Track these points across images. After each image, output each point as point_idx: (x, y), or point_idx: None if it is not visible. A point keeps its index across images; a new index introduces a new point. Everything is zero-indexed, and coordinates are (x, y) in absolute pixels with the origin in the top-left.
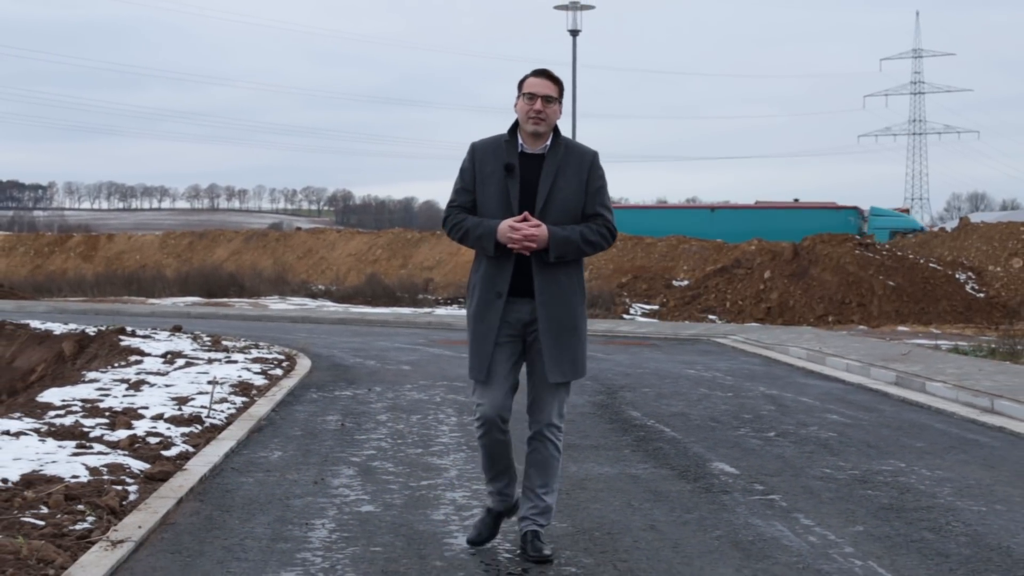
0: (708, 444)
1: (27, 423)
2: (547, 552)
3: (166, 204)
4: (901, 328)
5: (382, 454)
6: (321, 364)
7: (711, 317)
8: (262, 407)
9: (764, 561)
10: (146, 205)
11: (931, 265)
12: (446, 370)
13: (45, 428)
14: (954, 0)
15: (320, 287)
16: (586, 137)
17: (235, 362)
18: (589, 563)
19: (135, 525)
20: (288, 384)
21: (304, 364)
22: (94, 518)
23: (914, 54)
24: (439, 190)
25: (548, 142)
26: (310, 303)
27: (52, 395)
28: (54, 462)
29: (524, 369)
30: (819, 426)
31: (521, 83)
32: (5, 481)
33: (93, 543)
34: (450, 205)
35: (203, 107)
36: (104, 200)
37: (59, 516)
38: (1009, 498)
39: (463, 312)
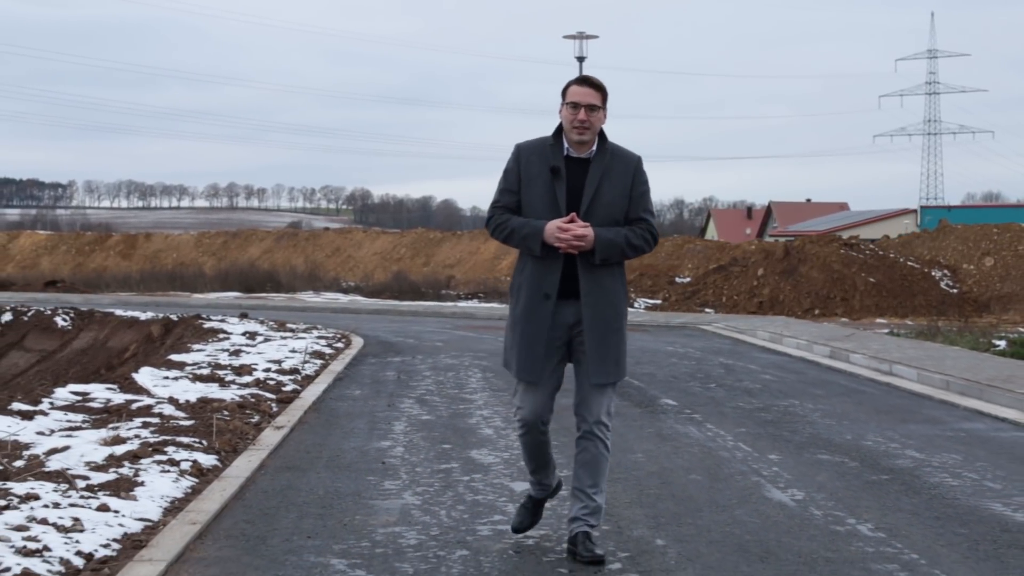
0: (662, 389)
1: (175, 373)
2: (599, 552)
3: (185, 203)
4: (879, 320)
5: (430, 393)
6: (371, 341)
7: (707, 310)
8: (337, 366)
9: (673, 442)
10: (165, 204)
11: (909, 263)
12: (471, 345)
13: (191, 376)
14: (969, 0)
15: (350, 283)
16: None
17: (303, 338)
18: (562, 441)
19: (285, 421)
20: (350, 353)
21: (358, 341)
22: (258, 417)
23: (929, 54)
24: (457, 189)
25: (594, 147)
26: (342, 298)
27: (179, 358)
28: (212, 392)
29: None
30: (751, 381)
31: (565, 91)
32: (188, 401)
33: (263, 428)
34: (494, 205)
35: (220, 107)
36: (123, 199)
37: (237, 416)
38: (857, 419)
39: (484, 305)
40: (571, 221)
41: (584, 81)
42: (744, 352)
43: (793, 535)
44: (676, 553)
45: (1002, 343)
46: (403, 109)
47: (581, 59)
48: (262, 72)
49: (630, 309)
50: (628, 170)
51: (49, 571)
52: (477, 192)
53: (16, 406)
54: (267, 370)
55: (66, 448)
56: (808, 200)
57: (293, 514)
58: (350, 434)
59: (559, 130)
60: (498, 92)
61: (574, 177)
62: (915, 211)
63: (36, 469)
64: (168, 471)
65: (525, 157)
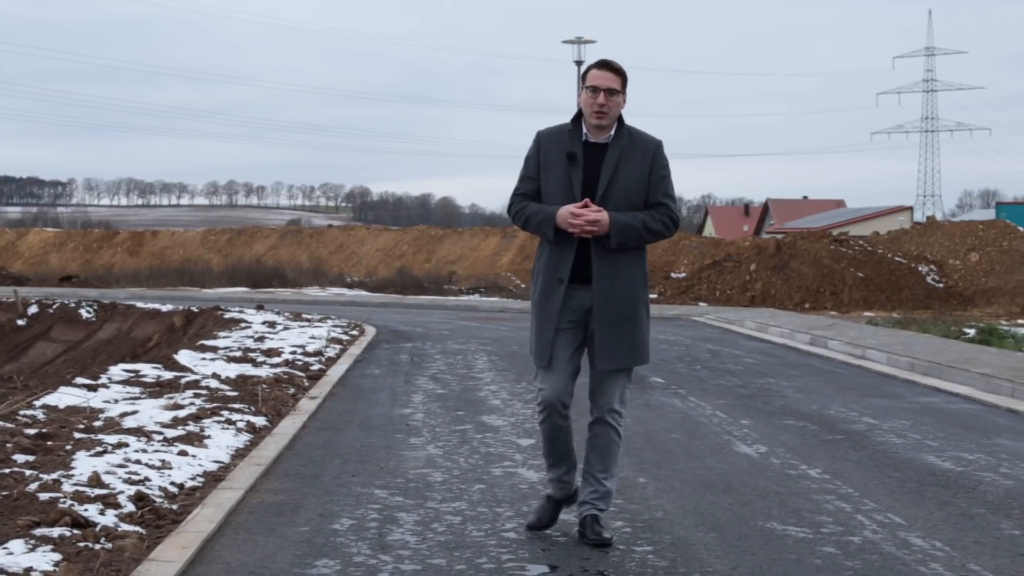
0: (652, 370)
1: (210, 355)
2: (607, 535)
3: (184, 200)
4: (867, 313)
5: (442, 372)
6: (382, 330)
7: (701, 304)
8: (355, 350)
9: (658, 410)
10: (165, 202)
11: (896, 259)
12: (476, 334)
13: (225, 358)
14: None
15: (355, 279)
16: None
17: (320, 327)
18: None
19: (317, 393)
20: (365, 340)
21: (371, 330)
22: (294, 389)
23: (927, 52)
24: (455, 186)
25: (612, 132)
26: (348, 292)
27: (210, 343)
28: (247, 371)
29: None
30: (734, 364)
31: (584, 75)
32: (229, 377)
33: (300, 398)
34: (515, 193)
35: (220, 105)
36: (123, 196)
37: (276, 388)
38: (825, 394)
39: (486, 299)
40: (585, 206)
41: (604, 65)
42: (731, 340)
43: (753, 476)
44: (654, 488)
45: (972, 331)
46: (402, 107)
47: (579, 63)
48: (262, 70)
49: None
50: (647, 154)
51: (153, 495)
52: (476, 189)
53: (80, 380)
54: (293, 353)
55: (135, 412)
56: (805, 197)
57: (337, 460)
58: (375, 404)
59: (578, 115)
60: (497, 90)
61: (591, 162)
62: (910, 208)
63: (115, 427)
64: (227, 428)
65: (544, 144)
